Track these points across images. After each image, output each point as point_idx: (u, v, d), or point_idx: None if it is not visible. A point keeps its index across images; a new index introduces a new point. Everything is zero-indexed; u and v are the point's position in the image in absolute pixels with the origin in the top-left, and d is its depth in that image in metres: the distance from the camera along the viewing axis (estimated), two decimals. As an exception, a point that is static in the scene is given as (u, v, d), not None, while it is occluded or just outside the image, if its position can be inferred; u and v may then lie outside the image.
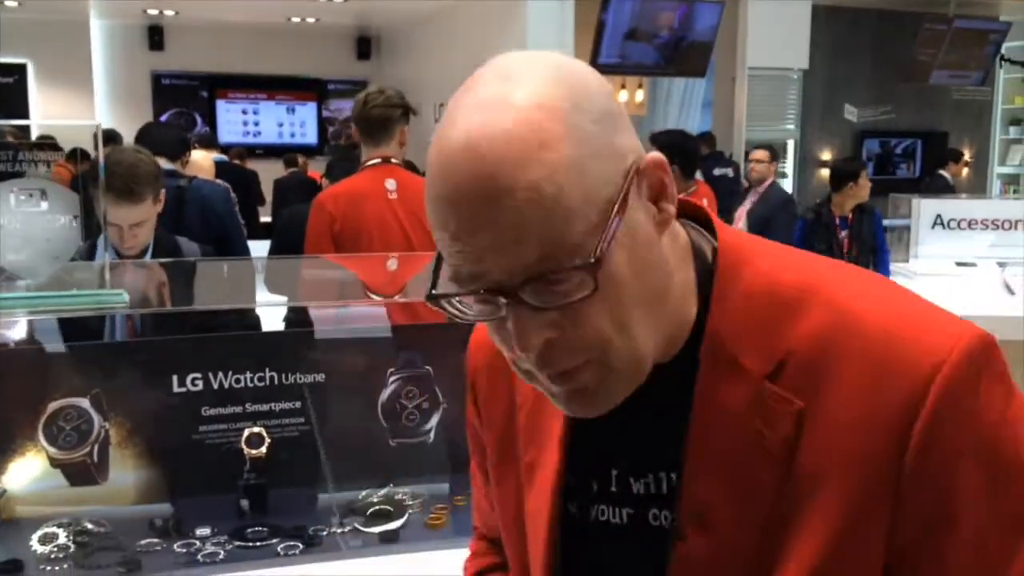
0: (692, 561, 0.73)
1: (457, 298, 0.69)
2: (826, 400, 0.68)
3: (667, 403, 0.75)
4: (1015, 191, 10.30)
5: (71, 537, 1.61)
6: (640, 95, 9.84)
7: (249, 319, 2.41)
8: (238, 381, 1.75)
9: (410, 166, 4.41)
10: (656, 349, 0.72)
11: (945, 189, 8.20)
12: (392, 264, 2.64)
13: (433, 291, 0.70)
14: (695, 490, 0.73)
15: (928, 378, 0.65)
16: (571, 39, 7.05)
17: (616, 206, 0.65)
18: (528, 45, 7.04)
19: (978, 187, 10.08)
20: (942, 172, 8.70)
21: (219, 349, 1.80)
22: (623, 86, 9.55)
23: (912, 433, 0.65)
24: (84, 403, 1.68)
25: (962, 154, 9.45)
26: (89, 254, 2.43)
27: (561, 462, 0.81)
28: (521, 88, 0.65)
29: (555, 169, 0.63)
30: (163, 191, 2.50)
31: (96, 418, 1.68)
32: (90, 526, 1.64)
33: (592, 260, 0.64)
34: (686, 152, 4.18)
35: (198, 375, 1.73)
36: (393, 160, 3.05)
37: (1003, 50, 9.27)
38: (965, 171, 10.03)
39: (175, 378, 1.72)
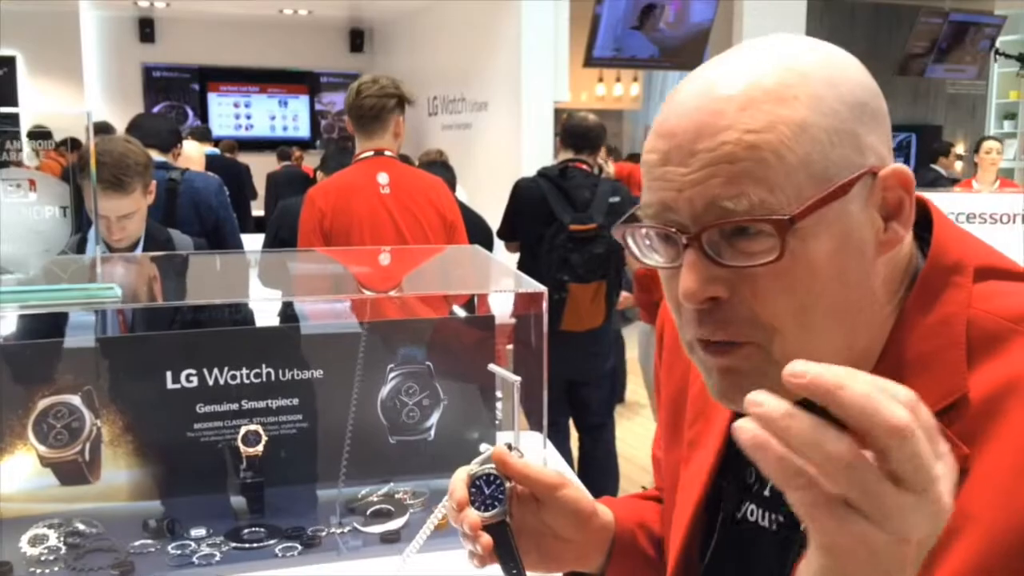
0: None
1: (643, 231, 0.67)
2: (991, 450, 0.62)
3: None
4: (1009, 185, 10.29)
5: (62, 538, 1.57)
6: (635, 89, 9.80)
7: (243, 314, 2.37)
8: (234, 377, 1.71)
9: (404, 159, 4.37)
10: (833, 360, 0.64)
11: (937, 183, 8.18)
12: (387, 258, 2.59)
13: (621, 222, 0.68)
14: None
15: None
16: (566, 32, 7.00)
17: (833, 188, 0.62)
18: (522, 38, 6.98)
19: (972, 181, 10.06)
20: (934, 166, 8.68)
21: (214, 344, 1.76)
22: (618, 79, 9.52)
23: None
24: (75, 400, 1.63)
25: (952, 146, 9.43)
26: (79, 248, 2.38)
27: (720, 453, 0.79)
28: (779, 50, 0.65)
29: (785, 123, 0.62)
30: (153, 183, 2.45)
31: (87, 415, 1.64)
32: (81, 527, 1.59)
33: (786, 218, 0.60)
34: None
35: (193, 371, 1.68)
36: (387, 152, 2.95)
37: (998, 44, 9.26)
38: (958, 164, 10.03)
39: (169, 374, 1.68)
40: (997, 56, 9.44)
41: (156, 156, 3.39)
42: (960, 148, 10.17)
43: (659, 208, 0.65)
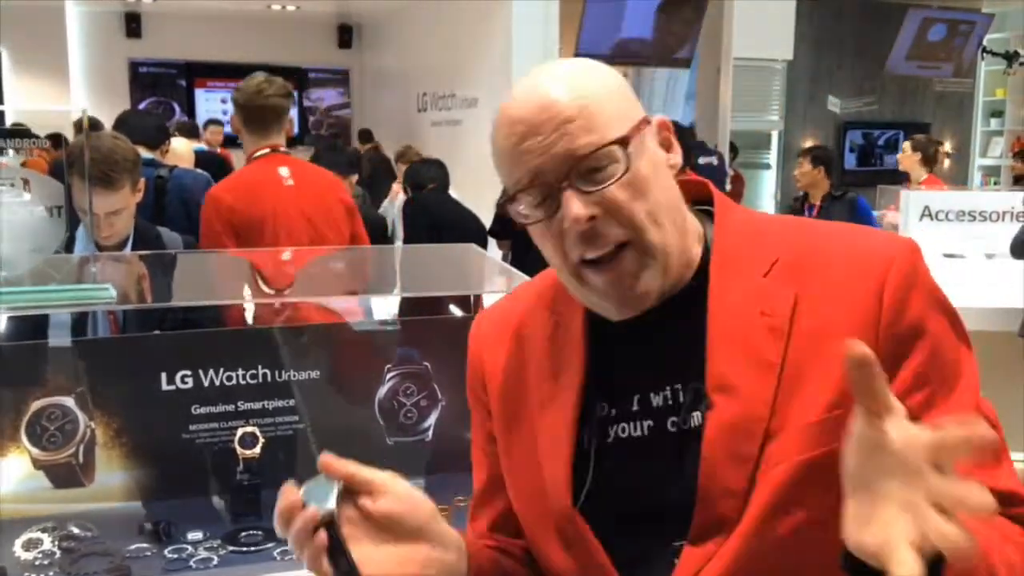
0: (722, 425, 0.86)
1: (521, 202, 0.88)
2: (813, 286, 0.88)
3: (677, 328, 0.91)
4: (995, 183, 10.35)
5: (56, 542, 1.55)
6: (624, 85, 9.79)
7: (237, 314, 2.34)
8: (230, 378, 1.69)
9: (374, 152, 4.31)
10: (677, 256, 0.90)
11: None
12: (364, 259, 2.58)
13: (502, 200, 0.90)
14: (716, 367, 0.88)
15: (889, 261, 0.87)
16: (556, 29, 6.98)
17: (637, 123, 0.88)
18: (513, 35, 6.96)
19: (959, 179, 10.12)
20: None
21: (210, 345, 1.74)
22: (607, 76, 9.51)
23: (884, 299, 0.85)
24: (68, 402, 1.61)
25: (939, 144, 9.46)
26: (67, 246, 2.35)
27: (580, 389, 0.94)
28: (571, 63, 0.93)
29: (599, 88, 0.89)
30: (142, 179, 2.42)
31: (81, 417, 1.62)
32: (76, 531, 1.57)
33: (623, 136, 0.86)
34: (681, 144, 4.15)
35: (188, 372, 1.67)
36: (282, 149, 2.98)
37: (985, 42, 9.30)
38: (945, 163, 10.07)
39: (164, 375, 1.66)
40: (984, 54, 9.50)
41: (144, 153, 3.35)
42: (948, 146, 10.23)
43: (531, 177, 0.87)
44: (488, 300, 2.19)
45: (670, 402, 0.91)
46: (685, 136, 4.41)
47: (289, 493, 0.85)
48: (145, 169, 3.13)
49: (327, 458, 0.87)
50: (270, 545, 1.58)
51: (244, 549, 1.57)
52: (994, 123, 10.59)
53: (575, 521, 0.91)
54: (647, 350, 0.93)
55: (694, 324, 0.90)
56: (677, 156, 0.93)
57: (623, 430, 0.92)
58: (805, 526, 0.83)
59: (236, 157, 8.38)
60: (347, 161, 4.51)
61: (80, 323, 2.02)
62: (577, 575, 0.92)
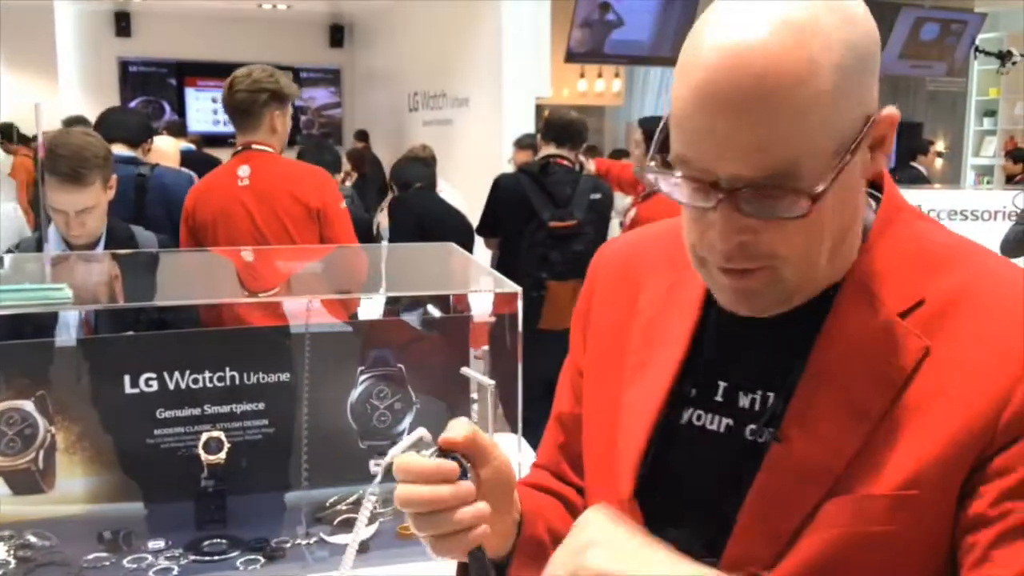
0: (784, 462, 0.77)
1: (670, 174, 0.74)
2: (950, 345, 0.74)
3: (796, 332, 0.80)
4: (988, 182, 10.35)
5: (12, 552, 1.50)
6: (617, 84, 9.77)
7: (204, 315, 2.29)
8: (196, 381, 1.64)
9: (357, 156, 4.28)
10: (825, 279, 0.78)
11: (918, 180, 8.19)
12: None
13: (653, 164, 0.76)
14: (806, 397, 0.78)
15: None
16: (547, 28, 6.95)
17: (850, 149, 0.71)
18: (503, 33, 6.92)
19: (952, 178, 10.12)
20: (914, 164, 8.70)
21: (175, 347, 1.69)
22: (600, 75, 9.47)
23: (1017, 392, 0.72)
24: (28, 406, 1.56)
25: (932, 143, 9.45)
26: (38, 245, 2.29)
27: (680, 365, 0.85)
28: (801, 8, 0.70)
29: (815, 98, 0.68)
30: (114, 176, 2.36)
31: (41, 422, 1.57)
32: (33, 539, 1.52)
33: (818, 190, 0.70)
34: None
35: (152, 375, 1.62)
36: (256, 146, 2.81)
37: (977, 41, 9.29)
38: (938, 162, 10.06)
39: (127, 378, 1.61)
40: (977, 53, 9.48)
41: (125, 151, 3.30)
42: (940, 146, 10.21)
43: (697, 163, 0.72)
44: (474, 300, 2.14)
45: (756, 408, 0.82)
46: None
47: (426, 461, 0.77)
48: (125, 167, 3.08)
49: (449, 438, 0.79)
50: (234, 554, 1.53)
51: (207, 559, 1.52)
52: (987, 122, 10.59)
53: (633, 510, 0.86)
54: (755, 343, 0.83)
55: (814, 332, 0.79)
56: (884, 157, 0.76)
57: (698, 417, 0.85)
58: None
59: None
60: (333, 160, 4.46)
61: (43, 324, 1.97)
62: None
